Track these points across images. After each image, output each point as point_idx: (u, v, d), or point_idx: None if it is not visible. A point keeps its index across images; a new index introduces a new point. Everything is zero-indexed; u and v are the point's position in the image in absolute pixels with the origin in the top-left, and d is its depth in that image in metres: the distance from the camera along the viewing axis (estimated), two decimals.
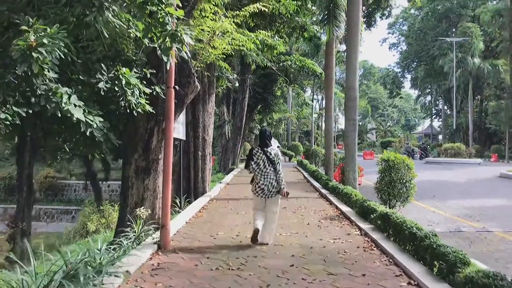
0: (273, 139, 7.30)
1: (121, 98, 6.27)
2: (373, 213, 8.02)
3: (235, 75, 15.13)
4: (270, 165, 6.57)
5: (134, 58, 6.82)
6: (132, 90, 6.31)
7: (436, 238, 5.49)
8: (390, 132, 76.10)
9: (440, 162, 34.06)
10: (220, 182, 16.26)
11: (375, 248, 6.42)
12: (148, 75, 6.82)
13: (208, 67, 12.78)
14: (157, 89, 6.87)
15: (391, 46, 69.41)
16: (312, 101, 35.12)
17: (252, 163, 6.64)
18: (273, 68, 22.02)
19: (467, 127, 50.81)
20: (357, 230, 7.80)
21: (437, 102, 70.63)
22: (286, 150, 40.52)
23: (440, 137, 78.40)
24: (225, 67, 9.21)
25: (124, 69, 6.19)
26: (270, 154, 6.59)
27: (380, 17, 29.09)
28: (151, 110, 6.55)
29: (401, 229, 6.33)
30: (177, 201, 10.76)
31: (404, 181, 9.31)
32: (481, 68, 47.51)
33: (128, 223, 7.01)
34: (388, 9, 27.99)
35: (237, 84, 22.18)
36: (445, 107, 64.17)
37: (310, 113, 41.09)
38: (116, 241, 6.44)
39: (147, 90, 6.54)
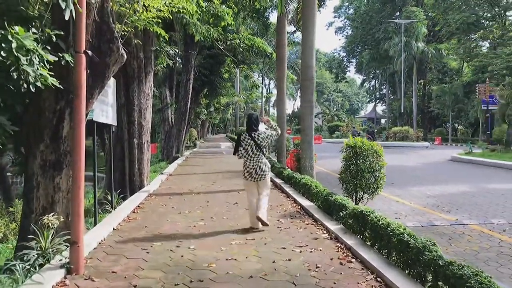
0: (260, 123, 7.10)
1: (13, 68, 4.51)
2: (342, 209, 6.73)
3: (177, 50, 13.34)
4: (258, 149, 6.74)
5: (31, 14, 5.02)
6: (29, 57, 4.55)
7: (437, 248, 4.24)
8: (337, 116, 76.49)
9: (389, 146, 33.87)
10: (162, 173, 14.52)
11: (353, 260, 5.09)
12: (54, 38, 5.04)
13: (145, 41, 11.00)
14: (67, 57, 5.12)
15: (337, 30, 69.36)
16: (262, 83, 33.68)
17: (241, 148, 6.73)
18: (220, 47, 20.31)
19: (411, 111, 51.53)
20: (324, 231, 6.48)
21: (382, 86, 71.66)
22: (234, 136, 39.00)
23: (383, 121, 79.97)
24: (163, 36, 7.47)
25: (16, 28, 4.42)
26: (258, 139, 6.73)
27: None
28: (57, 85, 4.81)
29: (384, 234, 5.05)
30: (109, 198, 9.04)
31: (373, 170, 8.08)
32: (425, 52, 48.07)
33: (31, 236, 5.29)
34: None
35: (180, 64, 20.33)
36: (389, 92, 65.05)
37: (259, 96, 39.71)
38: (9, 264, 4.75)
39: (51, 58, 4.78)
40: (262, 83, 33.34)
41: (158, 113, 24.37)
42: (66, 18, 4.02)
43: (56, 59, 4.89)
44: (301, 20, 16.60)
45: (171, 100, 21.94)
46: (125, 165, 10.88)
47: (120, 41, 5.70)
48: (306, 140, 11.45)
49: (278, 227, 6.79)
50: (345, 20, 67.09)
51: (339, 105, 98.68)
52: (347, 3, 65.83)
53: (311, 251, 5.40)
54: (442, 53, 48.29)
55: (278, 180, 12.19)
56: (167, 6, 6.70)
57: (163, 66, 14.16)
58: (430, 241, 4.39)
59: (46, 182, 5.53)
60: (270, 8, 25.95)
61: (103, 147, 14.57)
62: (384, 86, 68.69)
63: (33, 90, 4.60)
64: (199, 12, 8.65)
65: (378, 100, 76.89)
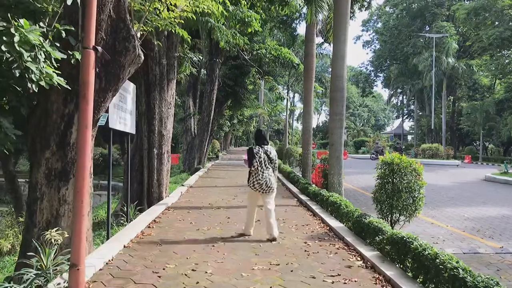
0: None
1: (15, 65, 4.03)
2: (378, 234, 6.00)
3: (201, 57, 12.84)
4: (270, 163, 6.96)
5: (40, 7, 4.55)
6: (34, 53, 4.07)
7: None
8: (363, 131, 75.11)
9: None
10: (182, 185, 13.97)
11: None
12: (63, 34, 4.56)
13: (168, 46, 10.54)
14: (78, 55, 4.64)
15: (365, 44, 68.29)
16: (288, 95, 33.05)
17: (256, 161, 6.85)
18: (246, 57, 19.82)
19: (439, 128, 49.99)
20: (358, 258, 5.74)
21: (410, 102, 70.15)
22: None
23: (409, 137, 78.14)
24: (187, 42, 6.95)
25: (21, 21, 3.95)
26: (270, 153, 7.00)
27: (359, 8, 27.30)
28: (63, 85, 4.30)
29: (432, 266, 4.32)
30: (125, 209, 8.52)
31: (411, 190, 7.30)
32: (455, 68, 46.68)
33: (30, 253, 4.76)
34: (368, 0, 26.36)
35: (204, 74, 19.92)
36: (417, 108, 63.51)
37: (284, 108, 39.04)
38: (2, 286, 4.23)
39: (59, 55, 4.29)
40: (287, 93, 32.64)
41: (180, 123, 23.96)
42: (69, 2, 3.49)
43: (65, 56, 4.39)
44: (331, 30, 16.02)
45: (194, 110, 21.49)
46: (144, 175, 10.37)
47: (138, 41, 5.18)
48: (335, 155, 10.73)
49: (305, 250, 6.09)
50: (373, 34, 66.08)
51: (365, 120, 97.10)
52: (375, 17, 64.90)
53: (345, 283, 4.69)
54: (473, 69, 46.81)
55: (303, 197, 11.48)
56: (190, 5, 6.15)
57: (187, 74, 13.71)
58: (492, 280, 3.65)
59: (51, 193, 5.02)
60: (298, 20, 25.48)
61: (123, 156, 14.16)
62: (412, 102, 67.17)
63: (35, 89, 4.11)
64: (225, 13, 8.10)
65: (405, 116, 75.25)
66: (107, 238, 6.88)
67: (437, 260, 4.31)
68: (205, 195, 12.27)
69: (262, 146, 7.01)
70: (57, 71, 4.31)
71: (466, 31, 50.18)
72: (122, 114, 7.77)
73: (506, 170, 23.64)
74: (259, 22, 10.81)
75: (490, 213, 11.62)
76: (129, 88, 8.20)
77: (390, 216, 7.61)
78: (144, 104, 10.23)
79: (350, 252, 6.05)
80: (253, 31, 11.24)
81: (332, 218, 8.38)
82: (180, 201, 10.82)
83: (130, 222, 8.03)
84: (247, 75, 24.35)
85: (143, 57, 5.24)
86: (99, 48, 3.95)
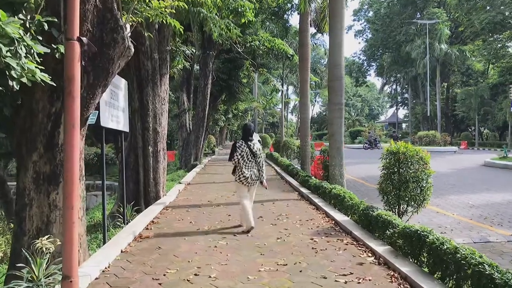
0: (254, 133, 7.72)
1: None
2: (388, 227, 5.72)
3: (194, 51, 12.43)
4: (253, 157, 7.15)
5: None
6: (13, 48, 3.71)
7: None
8: (359, 121, 74.98)
9: None
10: (180, 182, 13.64)
11: None
12: (46, 26, 4.20)
13: (160, 40, 10.17)
14: (62, 49, 4.27)
15: (357, 33, 67.96)
16: (282, 86, 32.65)
17: (237, 154, 7.06)
18: (239, 50, 19.43)
19: (434, 115, 49.87)
20: (369, 254, 5.45)
21: (403, 90, 70.03)
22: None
23: (404, 125, 78.12)
24: (179, 35, 6.59)
25: None
26: (253, 147, 7.16)
27: None
28: (47, 81, 3.94)
29: (452, 262, 4.04)
30: (122, 210, 8.18)
31: (418, 179, 7.01)
32: (448, 54, 46.47)
33: (20, 264, 4.42)
34: None
35: (197, 70, 19.51)
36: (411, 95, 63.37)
37: (280, 100, 38.68)
38: None
39: (41, 49, 3.93)
40: (282, 85, 32.20)
41: (175, 119, 23.55)
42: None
43: (48, 50, 4.03)
44: (325, 19, 15.70)
45: (188, 105, 21.08)
46: (140, 174, 10.02)
47: (127, 32, 4.83)
48: (335, 146, 10.43)
49: (312, 248, 5.79)
50: (365, 23, 65.73)
51: (359, 110, 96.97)
52: (366, 6, 64.52)
53: (359, 282, 4.39)
54: (466, 55, 46.62)
55: (304, 190, 11.19)
56: None
57: (180, 69, 13.33)
58: None
59: (40, 199, 4.67)
60: (290, 11, 25.09)
61: (118, 155, 13.81)
62: (406, 90, 67.04)
63: (17, 87, 3.74)
64: (218, 2, 7.73)
65: (399, 104, 75.16)
66: (104, 242, 6.56)
67: (458, 255, 4.03)
68: (203, 192, 11.95)
69: (247, 141, 7.17)
70: (40, 67, 3.95)
71: (458, 17, 49.86)
72: (114, 111, 7.41)
73: (505, 155, 23.48)
74: (253, 12, 10.44)
75: (494, 199, 11.39)
76: (120, 85, 7.83)
77: (397, 207, 7.33)
78: (137, 101, 9.86)
79: (359, 248, 5.76)
80: (246, 21, 10.88)
81: (336, 211, 8.10)
82: (178, 200, 10.49)
83: (127, 223, 7.70)
84: (240, 68, 23.95)
85: (133, 50, 4.89)
86: (84, 39, 3.60)
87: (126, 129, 8.32)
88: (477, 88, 44.29)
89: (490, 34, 46.69)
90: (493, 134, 46.76)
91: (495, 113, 42.41)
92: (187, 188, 12.82)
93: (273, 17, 24.69)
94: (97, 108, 5.12)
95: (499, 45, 46.55)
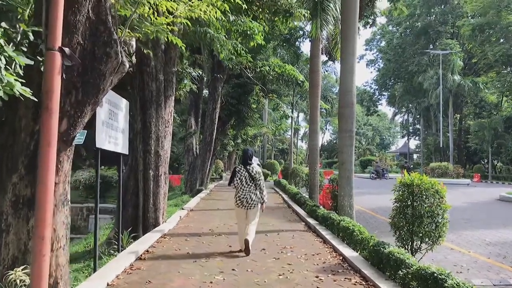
0: (254, 157, 8.02)
1: None
2: (401, 267, 5.19)
3: (200, 73, 12.13)
4: (252, 181, 7.39)
5: (2, 3, 3.87)
6: None
7: None
8: (369, 150, 74.22)
9: None
10: (182, 208, 13.17)
11: None
12: (31, 36, 3.88)
13: (166, 61, 9.91)
14: None
15: (369, 63, 68.05)
16: (292, 112, 32.35)
17: (237, 179, 7.36)
18: (249, 75, 19.22)
19: (446, 146, 49.10)
20: None
21: (415, 120, 69.47)
22: (261, 169, 37.61)
23: (415, 156, 77.16)
24: (181, 47, 6.26)
25: None
26: (252, 171, 7.40)
27: (364, 25, 26.93)
28: (28, 95, 3.58)
29: None
30: (119, 237, 7.73)
31: (433, 214, 6.50)
32: (461, 85, 46.03)
33: None
34: (372, 17, 25.91)
35: (206, 94, 19.30)
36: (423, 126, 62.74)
37: (288, 127, 38.33)
38: None
39: (24, 61, 3.59)
40: (292, 111, 31.93)
41: (181, 142, 23.24)
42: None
43: (31, 62, 3.69)
44: (336, 45, 15.44)
45: (195, 129, 20.78)
46: (139, 199, 9.60)
47: (122, 47, 4.49)
48: (345, 175, 9.95)
49: (317, 287, 5.26)
50: (377, 53, 65.82)
51: (370, 139, 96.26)
52: (379, 36, 64.73)
53: None
54: (479, 87, 46.11)
55: (311, 221, 10.65)
56: (185, 11, 5.47)
57: (187, 92, 13.05)
58: None
59: (19, 225, 4.26)
60: (301, 38, 25.05)
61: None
62: (418, 120, 66.45)
63: None
64: (224, 22, 7.45)
65: (411, 135, 74.45)
66: (94, 271, 6.11)
67: None
68: (206, 219, 11.45)
69: (246, 165, 7.45)
70: (21, 80, 3.60)
71: (471, 48, 49.72)
72: (112, 132, 7.07)
73: None
74: (262, 35, 10.16)
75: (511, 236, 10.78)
76: (121, 105, 7.52)
77: (410, 243, 6.79)
78: (139, 122, 9.53)
79: None
80: (256, 45, 10.60)
81: (345, 246, 7.56)
82: (178, 227, 10.00)
83: (122, 251, 7.24)
84: (250, 93, 23.77)
85: (127, 65, 4.54)
86: (67, 50, 3.25)
87: (125, 152, 7.96)
88: (490, 121, 43.59)
89: (504, 66, 46.34)
90: (506, 167, 45.71)
91: (509, 146, 41.57)
92: (189, 214, 12.34)
93: (284, 44, 24.63)
94: (87, 127, 4.75)
95: None
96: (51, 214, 3.28)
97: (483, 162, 53.35)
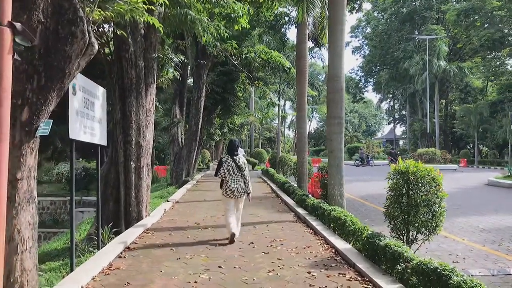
0: (240, 148, 7.77)
1: None
2: (398, 261, 4.86)
3: (183, 58, 11.59)
4: (239, 171, 7.46)
5: None
6: None
7: None
8: (356, 137, 74.29)
9: None
10: (167, 201, 12.73)
11: None
12: None
13: (146, 47, 9.39)
14: None
15: (354, 50, 67.78)
16: (279, 100, 31.91)
17: (224, 169, 7.38)
18: (234, 62, 18.72)
19: (432, 132, 49.23)
20: None
21: (401, 107, 69.59)
22: (249, 158, 37.19)
23: (401, 142, 77.51)
24: (157, 27, 5.77)
25: None
26: (239, 161, 7.48)
27: (350, 11, 26.47)
28: None
29: None
30: (98, 233, 7.30)
31: (430, 203, 6.18)
32: (446, 70, 46.01)
33: None
34: (358, 2, 25.51)
35: (190, 80, 18.77)
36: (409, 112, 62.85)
37: (275, 115, 37.94)
38: None
39: None
40: (279, 99, 31.51)
41: (162, 131, 22.70)
42: None
43: None
44: (323, 30, 15.00)
45: (179, 118, 20.26)
46: (121, 193, 9.14)
47: (89, 25, 4.02)
48: (335, 164, 9.61)
49: (310, 285, 4.90)
50: (363, 40, 65.53)
51: (356, 126, 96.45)
52: (364, 23, 64.39)
53: None
54: (464, 72, 46.15)
55: (300, 210, 10.31)
56: None
57: (170, 79, 12.52)
58: None
59: None
60: (287, 24, 24.56)
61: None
62: (404, 106, 66.56)
63: None
64: (206, 1, 6.97)
65: (397, 121, 74.64)
66: (71, 270, 5.68)
67: None
68: (191, 211, 11.04)
69: (232, 155, 7.48)
70: None
71: (456, 33, 49.71)
72: (88, 122, 6.60)
73: (509, 173, 22.70)
74: (247, 18, 9.67)
75: (506, 222, 10.60)
76: (97, 93, 7.02)
77: (406, 234, 6.47)
78: (118, 112, 9.03)
79: (365, 285, 4.89)
80: (240, 29, 10.10)
81: (336, 237, 7.23)
82: (162, 221, 9.58)
83: (102, 248, 6.82)
84: (236, 81, 23.27)
85: (96, 47, 4.07)
86: (18, 25, 2.78)
87: (103, 143, 7.49)
88: (476, 105, 43.75)
89: (489, 51, 46.47)
90: (492, 152, 46.05)
91: (495, 131, 41.80)
92: (175, 207, 11.91)
93: (270, 31, 24.14)
94: (52, 116, 4.28)
95: (498, 62, 46.30)
96: (4, 214, 2.83)
97: (469, 147, 53.74)
